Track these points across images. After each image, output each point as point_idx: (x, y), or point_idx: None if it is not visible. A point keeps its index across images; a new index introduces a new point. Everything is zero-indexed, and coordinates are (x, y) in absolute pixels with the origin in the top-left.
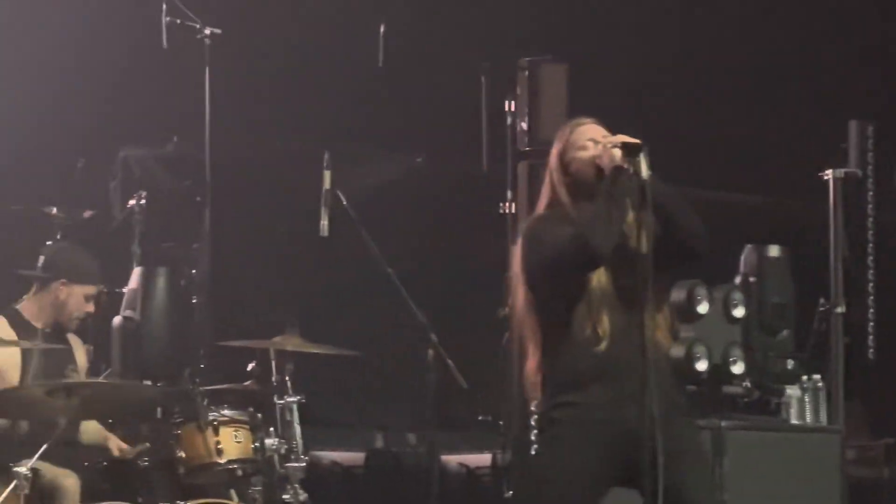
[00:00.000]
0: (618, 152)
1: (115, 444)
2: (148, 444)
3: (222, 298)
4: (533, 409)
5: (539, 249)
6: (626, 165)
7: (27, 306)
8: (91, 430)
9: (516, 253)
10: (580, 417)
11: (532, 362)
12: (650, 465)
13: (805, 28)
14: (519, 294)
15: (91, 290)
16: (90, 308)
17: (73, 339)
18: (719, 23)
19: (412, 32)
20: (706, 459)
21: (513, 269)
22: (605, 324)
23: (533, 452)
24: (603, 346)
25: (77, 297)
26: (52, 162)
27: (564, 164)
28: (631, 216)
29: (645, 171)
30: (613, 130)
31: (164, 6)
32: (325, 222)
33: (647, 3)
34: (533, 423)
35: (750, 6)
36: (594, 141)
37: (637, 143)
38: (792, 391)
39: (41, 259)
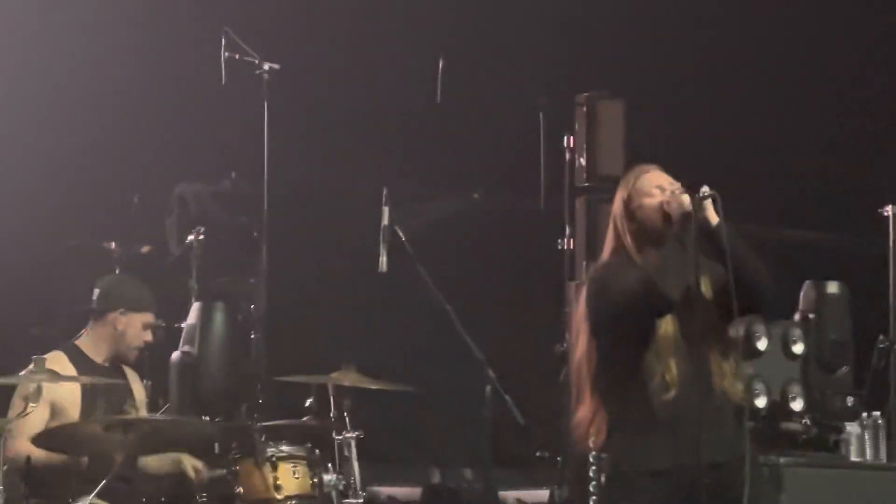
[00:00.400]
0: (687, 199)
1: (190, 464)
2: (224, 471)
3: (280, 333)
4: (593, 452)
5: (607, 295)
6: (694, 212)
7: (85, 341)
8: (163, 456)
9: (581, 298)
10: (651, 467)
11: (587, 408)
12: None
13: (865, 64)
14: (581, 340)
15: (149, 317)
16: (148, 337)
17: (131, 374)
18: (778, 59)
19: (470, 68)
20: None
21: (576, 314)
22: (672, 371)
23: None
24: (672, 393)
25: (135, 326)
26: (109, 197)
27: (630, 211)
28: (699, 263)
29: (714, 218)
30: (674, 172)
31: (224, 41)
32: (383, 258)
33: (708, 39)
34: (592, 461)
35: (811, 44)
36: (661, 188)
37: (706, 191)
38: (851, 428)
39: (96, 291)
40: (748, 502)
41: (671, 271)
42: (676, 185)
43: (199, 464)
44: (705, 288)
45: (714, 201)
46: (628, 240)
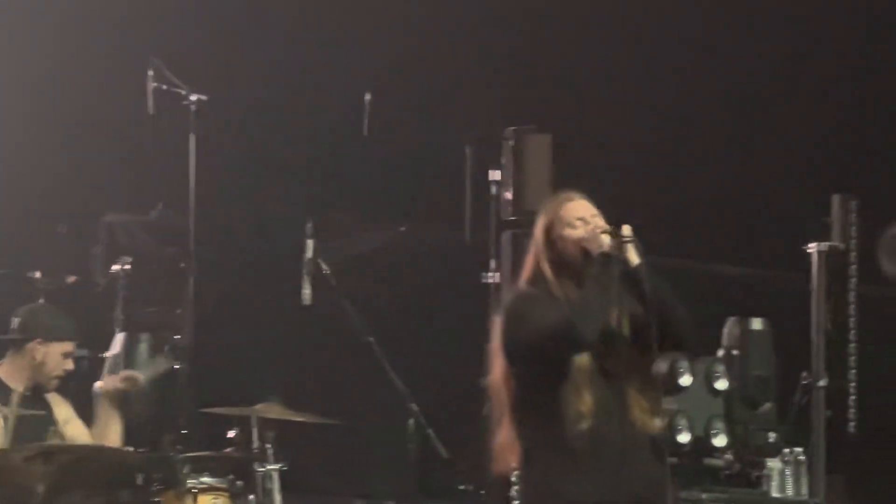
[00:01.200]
0: (607, 238)
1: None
2: None
3: (204, 365)
4: (514, 479)
5: (523, 328)
6: (614, 252)
7: (4, 369)
8: None
9: (496, 325)
10: (569, 500)
11: (506, 433)
12: None
13: (788, 103)
14: (496, 365)
15: (68, 347)
16: (69, 365)
17: (54, 397)
18: (703, 96)
19: (398, 102)
20: None
21: (493, 340)
22: (587, 403)
23: None
24: (585, 424)
25: (54, 356)
26: (35, 226)
27: (550, 241)
28: (619, 302)
29: (634, 259)
30: (602, 206)
31: (151, 72)
32: (307, 291)
33: (632, 75)
34: (514, 495)
35: (733, 80)
36: (583, 220)
37: (626, 233)
38: (773, 464)
39: (15, 321)
40: None
41: (590, 308)
42: (598, 220)
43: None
44: (625, 325)
45: (630, 240)
46: (547, 269)
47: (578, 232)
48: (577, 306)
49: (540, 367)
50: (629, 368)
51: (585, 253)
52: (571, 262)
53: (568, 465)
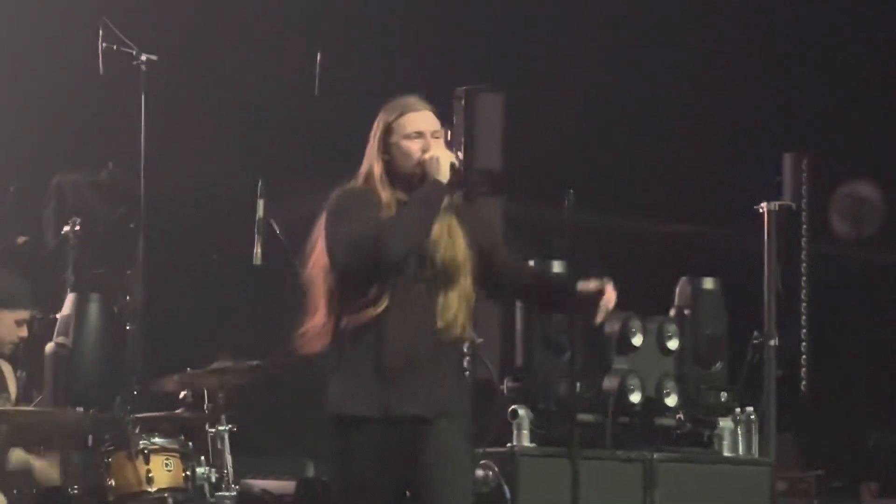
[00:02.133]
0: (447, 170)
1: (40, 470)
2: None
3: (155, 325)
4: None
5: (338, 227)
6: (450, 185)
7: None
8: (16, 455)
9: (321, 217)
10: (353, 412)
11: (319, 320)
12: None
13: (741, 59)
14: (316, 252)
15: (23, 314)
16: (23, 333)
17: (5, 367)
18: (654, 52)
19: (349, 61)
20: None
21: (316, 230)
22: (386, 301)
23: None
24: (380, 308)
25: (8, 323)
26: None
27: (386, 144)
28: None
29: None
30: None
31: (101, 32)
32: (258, 250)
33: (582, 32)
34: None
35: (685, 36)
36: (421, 135)
37: (461, 170)
38: (725, 423)
39: None
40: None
41: (401, 228)
42: (438, 138)
43: (51, 471)
44: (459, 251)
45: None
46: (377, 171)
47: (415, 147)
48: (390, 222)
49: (349, 264)
50: (450, 285)
51: (419, 169)
52: (401, 173)
53: (369, 372)
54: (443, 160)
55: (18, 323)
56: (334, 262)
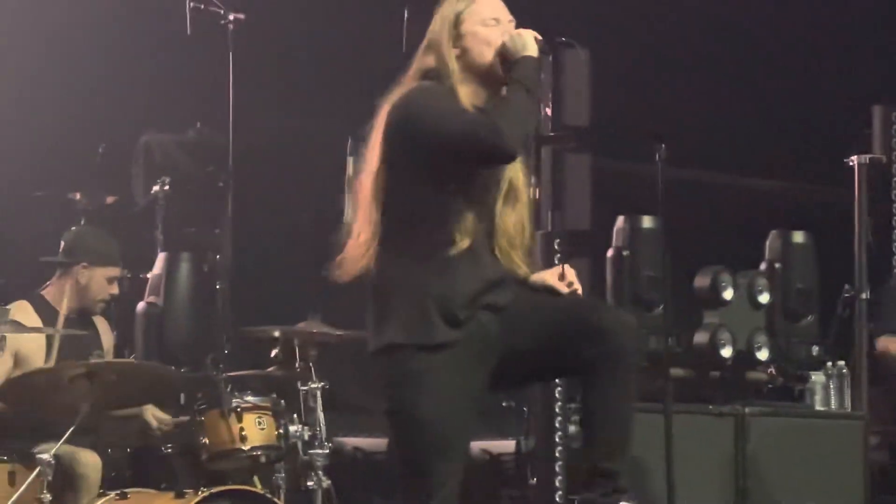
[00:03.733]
0: (534, 45)
1: (152, 414)
2: (187, 418)
3: (245, 284)
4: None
5: (438, 123)
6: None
7: (51, 291)
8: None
9: (384, 118)
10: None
11: (362, 237)
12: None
13: (828, 11)
14: (372, 161)
15: (113, 271)
16: (114, 290)
17: (101, 323)
18: (742, 6)
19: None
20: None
21: (373, 135)
22: (470, 221)
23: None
24: (461, 247)
25: (99, 280)
26: (74, 147)
27: (458, 34)
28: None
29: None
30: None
31: None
32: (349, 209)
33: None
34: (558, 412)
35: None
36: (497, 21)
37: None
38: (816, 377)
39: (62, 244)
40: None
41: (518, 114)
42: (513, 27)
43: (162, 414)
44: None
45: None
46: (454, 63)
47: (495, 33)
48: (505, 110)
49: (433, 175)
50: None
51: (502, 58)
52: (478, 64)
53: (433, 279)
54: (526, 35)
55: (109, 280)
56: (406, 164)
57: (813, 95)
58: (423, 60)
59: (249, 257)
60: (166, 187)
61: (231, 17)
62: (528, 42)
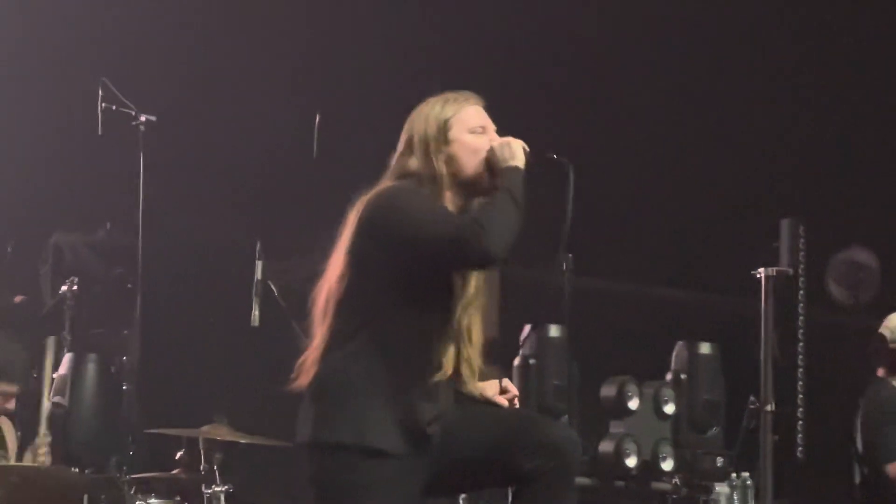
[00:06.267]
0: (522, 155)
1: None
2: None
3: (152, 386)
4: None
5: (423, 222)
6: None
7: None
8: None
9: (360, 214)
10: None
11: (318, 342)
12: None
13: (738, 127)
14: (337, 261)
15: (9, 388)
16: (10, 405)
17: (5, 424)
18: (653, 117)
19: (347, 123)
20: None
21: (342, 234)
22: (445, 353)
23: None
24: (439, 376)
25: None
26: None
27: (446, 139)
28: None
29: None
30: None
31: (101, 92)
32: (256, 312)
33: (581, 101)
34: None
35: (682, 104)
36: (483, 129)
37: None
38: (721, 488)
39: None
40: None
41: (504, 220)
42: (508, 139)
43: None
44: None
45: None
46: (442, 167)
47: (482, 141)
48: (493, 215)
49: (412, 269)
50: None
51: (488, 167)
52: (464, 172)
53: (398, 388)
54: (514, 145)
55: (5, 395)
56: (396, 261)
57: (722, 207)
58: (404, 161)
59: (157, 359)
60: (74, 287)
61: (142, 118)
62: (517, 152)
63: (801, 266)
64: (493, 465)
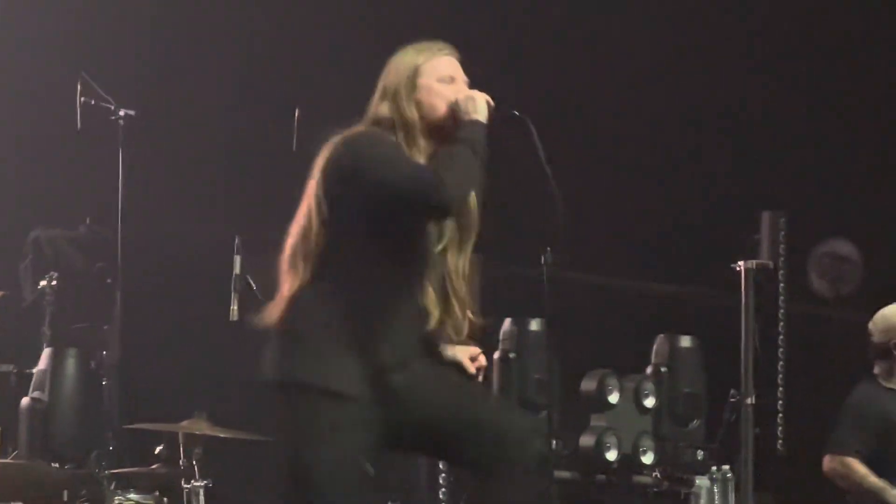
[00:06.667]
0: (485, 110)
1: None
2: None
3: (132, 381)
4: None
5: (383, 166)
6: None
7: None
8: None
9: (326, 156)
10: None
11: (287, 285)
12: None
13: (717, 118)
14: (304, 205)
15: None
16: None
17: None
18: (631, 110)
19: (326, 117)
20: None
21: (310, 179)
22: (431, 296)
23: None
24: (401, 303)
25: None
26: None
27: (414, 85)
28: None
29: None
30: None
31: (79, 87)
32: (234, 307)
33: (565, 92)
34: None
35: (661, 95)
36: (452, 79)
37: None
38: (701, 482)
39: None
40: None
41: (461, 171)
42: (465, 87)
43: None
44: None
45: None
46: (411, 112)
47: (450, 90)
48: (451, 164)
49: (375, 211)
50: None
51: (451, 116)
52: (430, 119)
53: (364, 331)
54: (479, 99)
55: None
56: (383, 202)
57: (701, 200)
58: (377, 108)
59: (136, 354)
60: (54, 283)
61: (122, 112)
62: (480, 106)
63: (782, 259)
64: (442, 437)
